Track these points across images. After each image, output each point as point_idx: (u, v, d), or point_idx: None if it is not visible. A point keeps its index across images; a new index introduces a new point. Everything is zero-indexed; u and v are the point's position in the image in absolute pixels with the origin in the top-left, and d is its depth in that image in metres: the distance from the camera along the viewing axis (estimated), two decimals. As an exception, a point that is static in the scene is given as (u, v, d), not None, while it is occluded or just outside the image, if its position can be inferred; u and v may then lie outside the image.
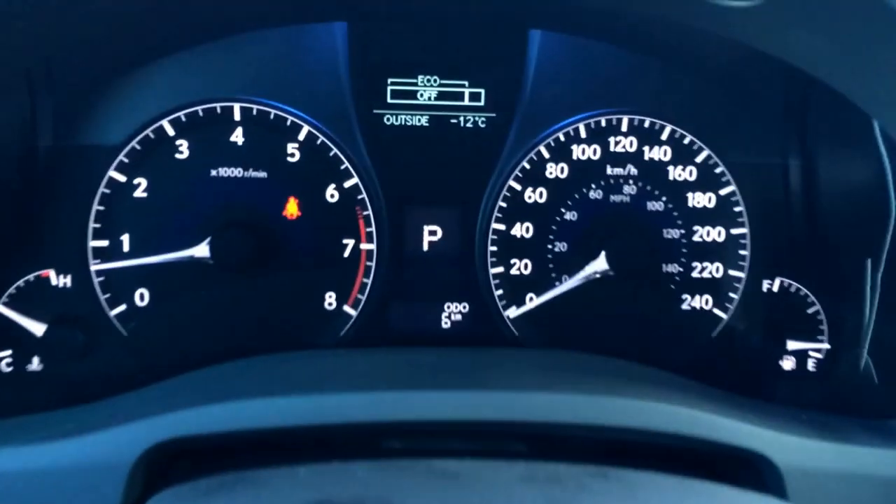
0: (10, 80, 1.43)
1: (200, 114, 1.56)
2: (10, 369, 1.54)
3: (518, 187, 1.61)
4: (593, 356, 1.43)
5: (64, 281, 1.56)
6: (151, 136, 1.55)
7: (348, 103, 1.60)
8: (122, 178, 1.55)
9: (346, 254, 1.61)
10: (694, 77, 1.63)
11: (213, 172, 1.57)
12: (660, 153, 1.62)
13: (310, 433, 0.99)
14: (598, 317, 1.63)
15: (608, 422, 1.00)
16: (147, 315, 1.58)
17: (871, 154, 1.46)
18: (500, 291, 1.63)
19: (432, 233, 1.63)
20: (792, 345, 1.61)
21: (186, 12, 1.46)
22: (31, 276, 1.55)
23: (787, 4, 0.98)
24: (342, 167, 1.59)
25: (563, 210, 1.62)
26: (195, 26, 1.56)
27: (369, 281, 1.61)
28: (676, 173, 1.62)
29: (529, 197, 1.62)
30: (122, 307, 1.57)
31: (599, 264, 1.58)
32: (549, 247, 1.63)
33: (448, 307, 1.64)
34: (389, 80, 1.61)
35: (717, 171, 1.61)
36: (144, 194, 1.56)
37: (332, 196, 1.60)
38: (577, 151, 1.62)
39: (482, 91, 1.62)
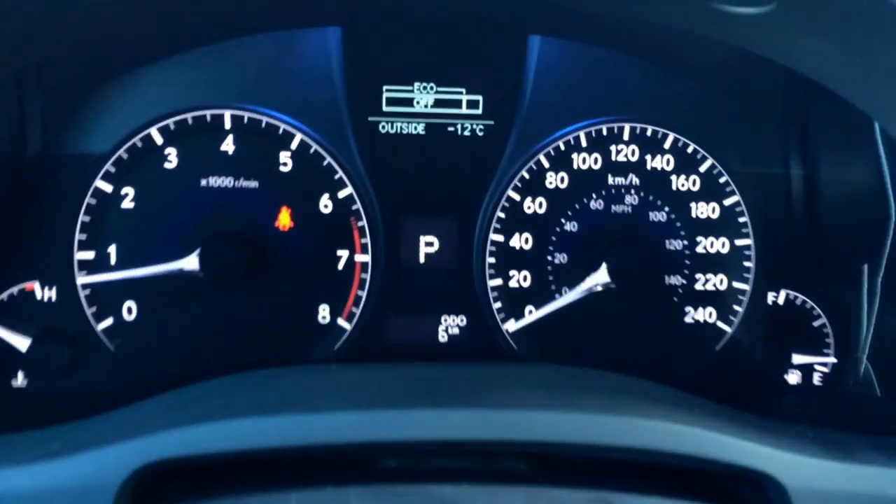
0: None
1: (190, 121, 1.56)
2: (-8, 385, 1.53)
3: (517, 197, 1.61)
4: (594, 371, 1.42)
5: (49, 294, 1.55)
6: (139, 144, 1.55)
7: (342, 111, 1.59)
8: (108, 188, 1.54)
9: (341, 266, 1.60)
10: (697, 84, 1.63)
11: (203, 182, 1.57)
12: (662, 162, 1.62)
13: (302, 454, 0.98)
14: (599, 330, 1.63)
15: (611, 441, 1.00)
16: (135, 329, 1.57)
17: (871, 159, 1.47)
18: (498, 304, 1.63)
19: (429, 244, 1.63)
20: (797, 359, 1.60)
21: (175, 17, 1.46)
22: (14, 290, 1.54)
23: (795, 11, 0.98)
24: (336, 177, 1.58)
25: (563, 221, 1.62)
26: (184, 31, 1.55)
27: (364, 294, 1.60)
28: (679, 183, 1.62)
29: (529, 207, 1.62)
30: (109, 321, 1.56)
31: (600, 276, 1.58)
32: (549, 258, 1.63)
33: (445, 320, 1.64)
34: (385, 87, 1.61)
35: (721, 180, 1.61)
36: (132, 205, 1.56)
37: (325, 206, 1.59)
38: (578, 160, 1.61)
39: (480, 98, 1.61)
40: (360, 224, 1.59)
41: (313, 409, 1.01)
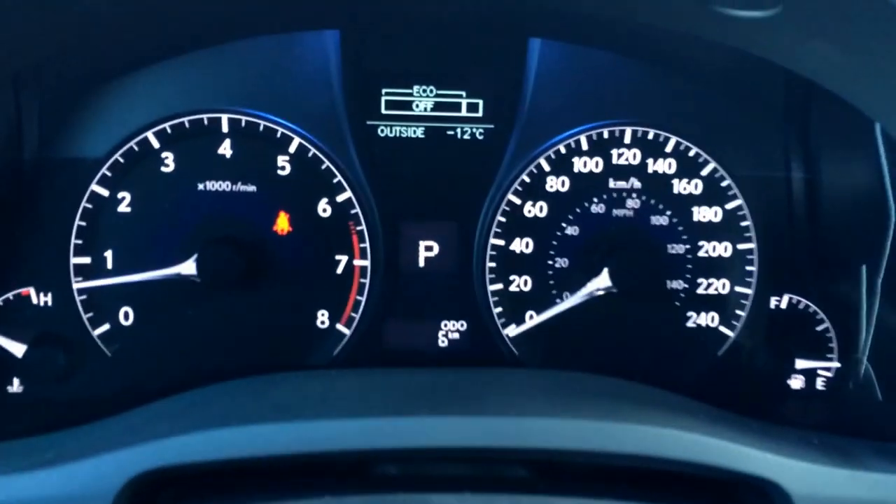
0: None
1: (187, 125, 1.56)
2: (-12, 392, 1.53)
3: (517, 201, 1.61)
4: (596, 376, 1.42)
5: (45, 299, 1.55)
6: (136, 148, 1.55)
7: (341, 114, 1.59)
8: (104, 193, 1.54)
9: (339, 270, 1.60)
10: (699, 87, 1.63)
11: (200, 186, 1.57)
12: (664, 166, 1.62)
13: (301, 462, 0.98)
14: (601, 335, 1.63)
15: (614, 449, 1.00)
16: (131, 335, 1.57)
17: (873, 160, 1.48)
18: (499, 309, 1.62)
19: (428, 248, 1.63)
20: (801, 363, 1.60)
21: (172, 19, 1.46)
22: (10, 295, 1.54)
23: (800, 14, 0.98)
24: (335, 181, 1.58)
25: (564, 225, 1.62)
26: (181, 34, 1.55)
27: (363, 298, 1.60)
28: (681, 187, 1.62)
29: (529, 211, 1.61)
30: (106, 327, 1.56)
31: (602, 281, 1.57)
32: (550, 263, 1.62)
33: (445, 325, 1.64)
34: (384, 91, 1.61)
35: (724, 184, 1.61)
36: (128, 209, 1.55)
37: (324, 211, 1.59)
38: (579, 164, 1.61)
39: (480, 101, 1.61)
40: (359, 228, 1.59)
41: (312, 417, 1.01)
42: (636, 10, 1.26)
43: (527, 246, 1.62)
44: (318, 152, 1.57)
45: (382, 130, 1.61)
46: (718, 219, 1.62)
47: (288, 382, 1.36)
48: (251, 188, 1.58)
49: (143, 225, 1.56)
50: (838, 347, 1.62)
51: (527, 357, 1.63)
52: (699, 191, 1.62)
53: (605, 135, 1.61)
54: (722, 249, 1.63)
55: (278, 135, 1.57)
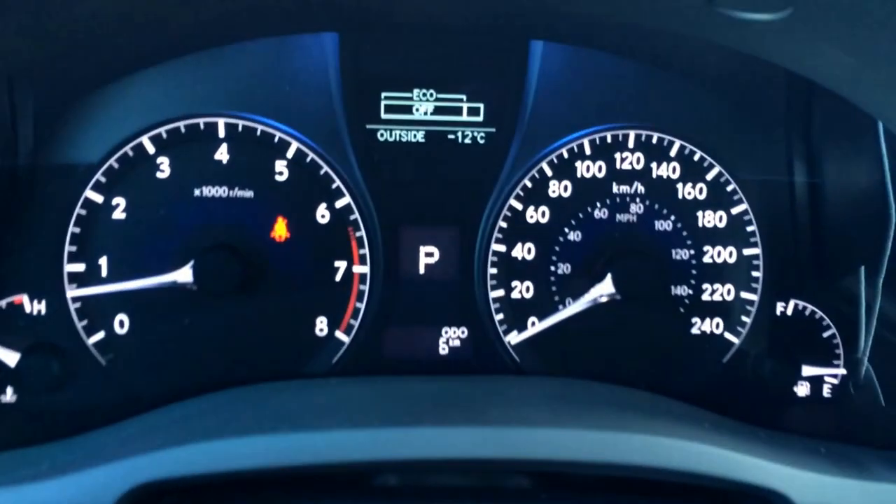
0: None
1: (182, 130, 1.55)
2: (-20, 402, 1.52)
3: (519, 206, 1.61)
4: (599, 384, 1.42)
5: (38, 307, 1.54)
6: (130, 153, 1.55)
7: (340, 118, 1.59)
8: (99, 199, 1.54)
9: (338, 277, 1.60)
10: (703, 90, 1.63)
11: (197, 192, 1.56)
12: (668, 170, 1.62)
13: (301, 473, 0.98)
14: (604, 342, 1.63)
15: (619, 460, 1.00)
16: (127, 343, 1.56)
17: (874, 162, 1.49)
18: (500, 316, 1.62)
19: (429, 254, 1.63)
20: (807, 370, 1.60)
21: (168, 22, 1.45)
22: (2, 303, 1.53)
23: (808, 17, 0.98)
24: (333, 186, 1.58)
25: (566, 230, 1.62)
26: (177, 37, 1.55)
27: (362, 305, 1.60)
28: (686, 191, 1.62)
29: (531, 216, 1.61)
30: (101, 335, 1.55)
31: (605, 287, 1.57)
32: (552, 269, 1.62)
33: (446, 332, 1.63)
34: (383, 94, 1.61)
35: (729, 188, 1.61)
36: (123, 215, 1.55)
37: (322, 216, 1.59)
38: (582, 168, 1.61)
39: (481, 105, 1.61)
40: (358, 234, 1.59)
41: (312, 428, 1.01)
42: (641, 13, 1.25)
43: (529, 252, 1.62)
44: (316, 157, 1.57)
45: (382, 134, 1.61)
46: (723, 224, 1.62)
47: (287, 392, 1.36)
48: (248, 194, 1.57)
49: (138, 231, 1.55)
50: (844, 354, 1.62)
51: (529, 364, 1.63)
52: (704, 195, 1.62)
53: (608, 139, 1.61)
54: (727, 255, 1.63)
55: (276, 139, 1.57)
